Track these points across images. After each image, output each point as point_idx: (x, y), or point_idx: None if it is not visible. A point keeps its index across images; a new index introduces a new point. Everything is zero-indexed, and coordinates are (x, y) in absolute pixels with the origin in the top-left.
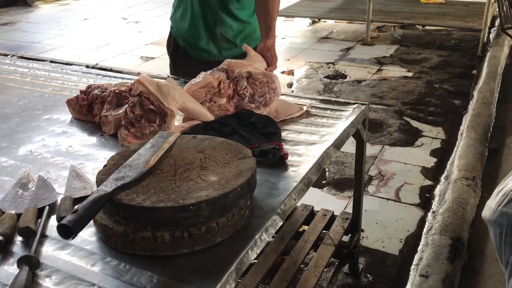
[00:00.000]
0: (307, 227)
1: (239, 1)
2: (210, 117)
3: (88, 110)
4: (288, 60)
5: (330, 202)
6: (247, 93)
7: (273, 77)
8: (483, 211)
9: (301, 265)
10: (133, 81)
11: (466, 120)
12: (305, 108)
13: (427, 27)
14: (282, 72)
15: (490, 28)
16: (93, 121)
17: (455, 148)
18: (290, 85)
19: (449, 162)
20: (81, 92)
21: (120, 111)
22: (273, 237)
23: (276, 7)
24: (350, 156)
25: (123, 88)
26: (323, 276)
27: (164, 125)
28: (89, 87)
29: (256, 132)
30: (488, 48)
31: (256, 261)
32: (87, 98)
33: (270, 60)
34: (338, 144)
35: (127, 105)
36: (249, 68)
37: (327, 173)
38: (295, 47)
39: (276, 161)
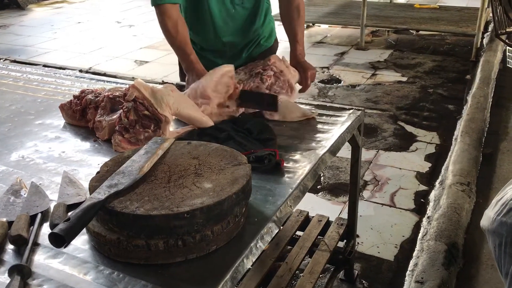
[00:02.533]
0: (302, 233)
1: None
2: (208, 122)
3: (82, 115)
4: None
5: (325, 207)
6: (269, 80)
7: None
8: (481, 220)
9: (296, 271)
10: (127, 86)
11: (460, 125)
12: (311, 113)
13: (421, 32)
14: None
15: (483, 33)
16: (86, 127)
17: (449, 153)
18: None
19: (443, 167)
20: (75, 97)
21: (114, 117)
22: (268, 243)
23: (302, 13)
24: (345, 161)
25: (117, 93)
26: (318, 282)
27: (159, 131)
28: (82, 92)
29: (252, 138)
30: (481, 53)
31: (251, 267)
32: (81, 103)
33: (303, 76)
34: (333, 150)
35: (121, 110)
36: (284, 68)
37: (322, 178)
38: (289, 51)
39: (272, 167)
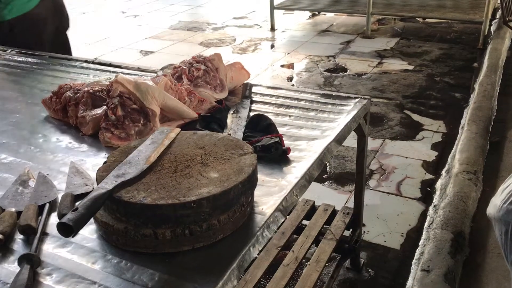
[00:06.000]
0: (308, 222)
1: None
2: (193, 114)
3: (64, 112)
4: (288, 53)
5: (331, 197)
6: (196, 73)
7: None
8: (487, 208)
9: (303, 260)
10: (108, 81)
11: (467, 113)
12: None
13: (427, 20)
14: (282, 66)
15: (491, 20)
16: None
17: (456, 142)
18: (290, 79)
19: (450, 156)
20: (53, 93)
21: (99, 111)
22: (274, 232)
23: None
24: (351, 150)
25: (97, 88)
26: (324, 271)
27: (150, 124)
28: (60, 87)
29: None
30: (489, 41)
31: (257, 256)
32: (60, 101)
33: None
34: (339, 139)
35: (105, 106)
36: (222, 67)
37: (328, 167)
38: (295, 40)
39: (279, 155)
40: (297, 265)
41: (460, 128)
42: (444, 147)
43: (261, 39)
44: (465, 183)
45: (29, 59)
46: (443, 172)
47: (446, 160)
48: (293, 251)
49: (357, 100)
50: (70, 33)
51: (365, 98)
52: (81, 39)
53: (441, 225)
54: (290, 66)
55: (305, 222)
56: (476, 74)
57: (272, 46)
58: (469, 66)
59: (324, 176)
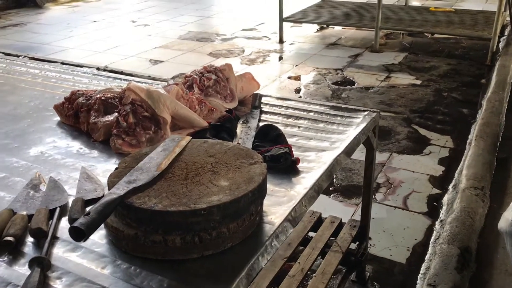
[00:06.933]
0: (315, 233)
1: None
2: (203, 123)
3: (75, 118)
4: (296, 65)
5: (337, 209)
6: (207, 82)
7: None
8: (499, 222)
9: (308, 272)
10: (121, 88)
11: (474, 129)
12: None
13: (436, 35)
14: (289, 78)
15: (499, 37)
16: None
17: (463, 157)
18: (298, 91)
19: (457, 171)
20: (66, 99)
21: (110, 118)
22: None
23: None
24: (358, 163)
25: (109, 95)
26: (330, 283)
27: (161, 132)
28: (73, 93)
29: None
30: (497, 58)
31: (262, 266)
32: (72, 107)
33: None
34: (349, 151)
35: (116, 113)
36: (232, 77)
37: (334, 179)
38: (303, 53)
39: (288, 165)
40: (303, 276)
41: (467, 143)
42: (451, 162)
43: (269, 51)
44: (472, 198)
45: (41, 65)
46: (450, 187)
47: (453, 175)
48: (299, 262)
49: (366, 113)
50: (80, 41)
51: (374, 111)
52: (91, 47)
53: (447, 240)
54: (298, 78)
55: (311, 233)
56: (484, 91)
57: (280, 58)
58: (477, 82)
59: (331, 188)
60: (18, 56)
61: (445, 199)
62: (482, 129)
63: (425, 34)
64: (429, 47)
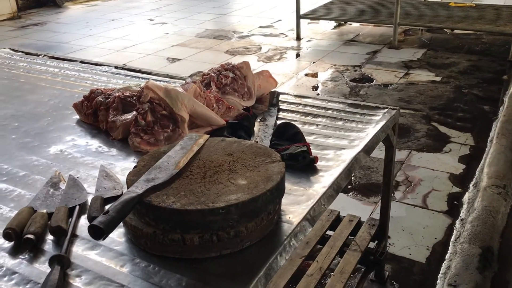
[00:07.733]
0: (333, 232)
1: None
2: (221, 121)
3: (94, 117)
4: (314, 62)
5: (355, 208)
6: (224, 80)
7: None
8: None
9: (327, 271)
10: (139, 87)
11: (496, 126)
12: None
13: (455, 31)
14: (307, 75)
15: None
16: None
17: (484, 155)
18: (315, 88)
19: (478, 169)
20: (85, 98)
21: (129, 116)
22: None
23: None
24: (376, 161)
25: (127, 93)
26: (348, 282)
27: (178, 130)
28: (92, 92)
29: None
30: None
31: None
32: (91, 105)
33: None
34: (368, 149)
35: (135, 111)
36: (250, 75)
37: (353, 178)
38: (320, 49)
39: (306, 164)
40: (321, 275)
41: (488, 141)
42: (471, 160)
43: (286, 48)
44: (494, 197)
45: (61, 64)
46: (471, 185)
47: (473, 173)
48: (317, 261)
49: (385, 110)
50: (99, 40)
51: (393, 109)
52: (110, 46)
53: (468, 239)
54: (315, 75)
55: (329, 232)
56: (505, 87)
57: (298, 55)
58: (498, 79)
59: (349, 187)
60: (38, 55)
61: (466, 198)
62: (504, 126)
63: (445, 30)
64: (449, 43)
